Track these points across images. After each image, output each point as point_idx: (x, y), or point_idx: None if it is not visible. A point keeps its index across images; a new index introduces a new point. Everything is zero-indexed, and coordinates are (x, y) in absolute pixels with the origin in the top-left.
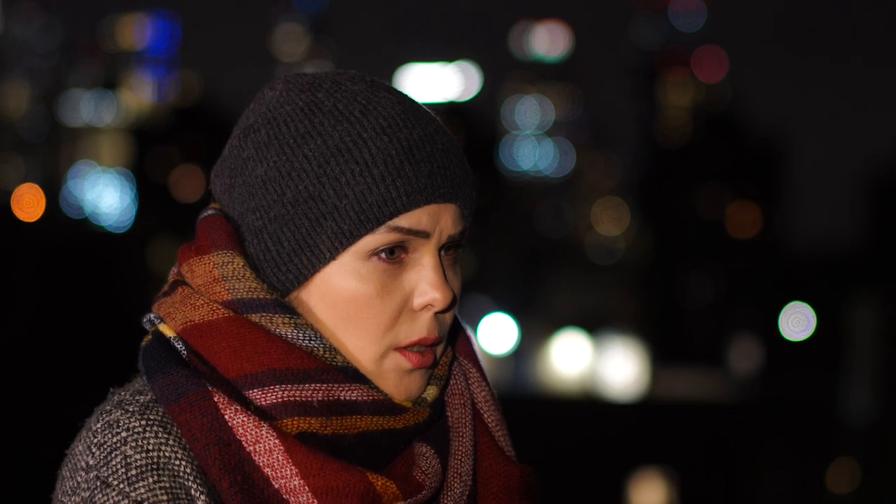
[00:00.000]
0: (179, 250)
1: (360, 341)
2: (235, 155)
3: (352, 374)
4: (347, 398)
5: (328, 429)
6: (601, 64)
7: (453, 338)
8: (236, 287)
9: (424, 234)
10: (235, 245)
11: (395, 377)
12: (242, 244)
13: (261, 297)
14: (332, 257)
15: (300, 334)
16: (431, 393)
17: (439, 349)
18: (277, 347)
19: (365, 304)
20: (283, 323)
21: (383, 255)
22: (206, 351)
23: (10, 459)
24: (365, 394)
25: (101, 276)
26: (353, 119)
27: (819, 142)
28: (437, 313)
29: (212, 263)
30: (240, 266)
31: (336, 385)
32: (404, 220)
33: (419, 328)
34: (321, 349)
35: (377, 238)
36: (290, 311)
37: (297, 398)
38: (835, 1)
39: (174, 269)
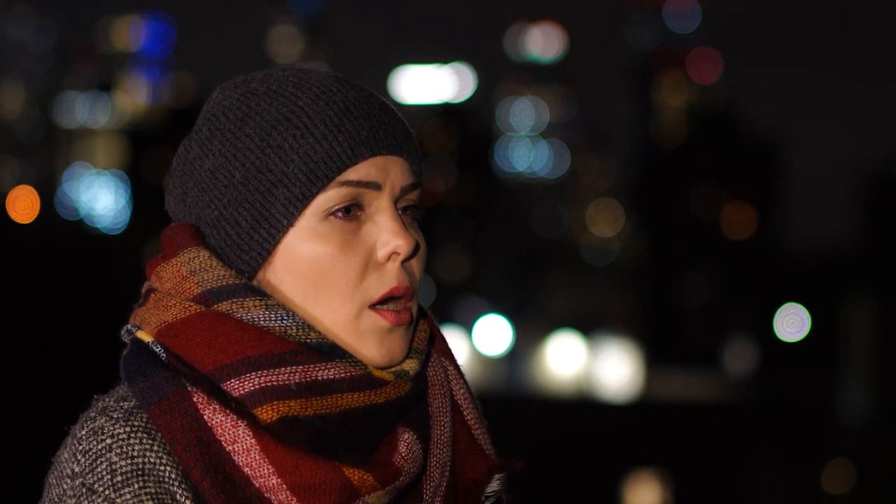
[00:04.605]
0: (146, 266)
1: (333, 303)
2: (182, 161)
3: (328, 351)
4: (325, 377)
5: (309, 410)
6: (596, 65)
7: (431, 338)
8: (205, 278)
9: (376, 186)
10: (199, 242)
11: (376, 338)
12: (205, 240)
13: (230, 283)
14: (290, 223)
15: (272, 315)
16: (412, 366)
17: (414, 307)
18: (249, 335)
19: (329, 263)
20: (255, 306)
21: (340, 213)
22: (182, 349)
23: (7, 461)
24: (343, 371)
25: (97, 279)
26: (288, 94)
27: (814, 143)
28: (403, 263)
29: (179, 263)
30: (206, 258)
31: (312, 365)
32: (353, 174)
33: (388, 279)
34: (294, 327)
35: (330, 196)
36: (260, 294)
37: (274, 383)
38: (831, 2)
39: (145, 284)
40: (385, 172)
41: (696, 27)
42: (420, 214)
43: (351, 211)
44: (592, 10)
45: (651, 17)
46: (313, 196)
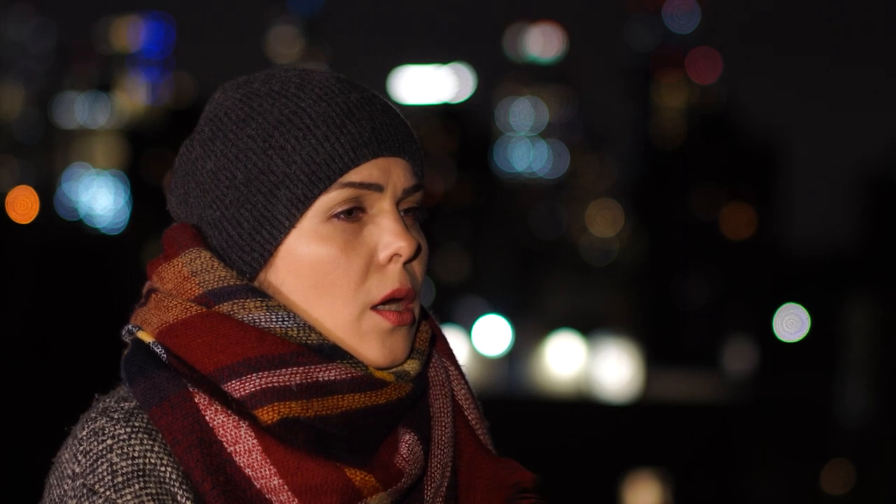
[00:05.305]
0: (148, 265)
1: (334, 304)
2: (184, 161)
3: (328, 353)
4: (326, 378)
5: (310, 411)
6: (595, 65)
7: (432, 338)
8: (206, 279)
9: (378, 188)
10: (200, 242)
11: (378, 339)
12: (206, 241)
13: (231, 284)
14: (292, 225)
15: (273, 316)
16: (413, 367)
17: (416, 308)
18: (250, 336)
19: (331, 264)
20: (256, 307)
21: (341, 215)
22: (183, 350)
23: (6, 462)
24: (344, 372)
25: (96, 279)
26: (290, 94)
27: (814, 143)
28: (405, 265)
29: (180, 264)
30: (207, 258)
31: (313, 367)
32: (355, 175)
33: (390, 280)
34: (295, 329)
35: (332, 197)
36: (262, 295)
37: (275, 384)
38: (829, 2)
39: (146, 284)
40: (387, 174)
41: (695, 27)
42: (422, 216)
43: (353, 212)
44: (592, 10)
45: (651, 17)
46: (315, 197)
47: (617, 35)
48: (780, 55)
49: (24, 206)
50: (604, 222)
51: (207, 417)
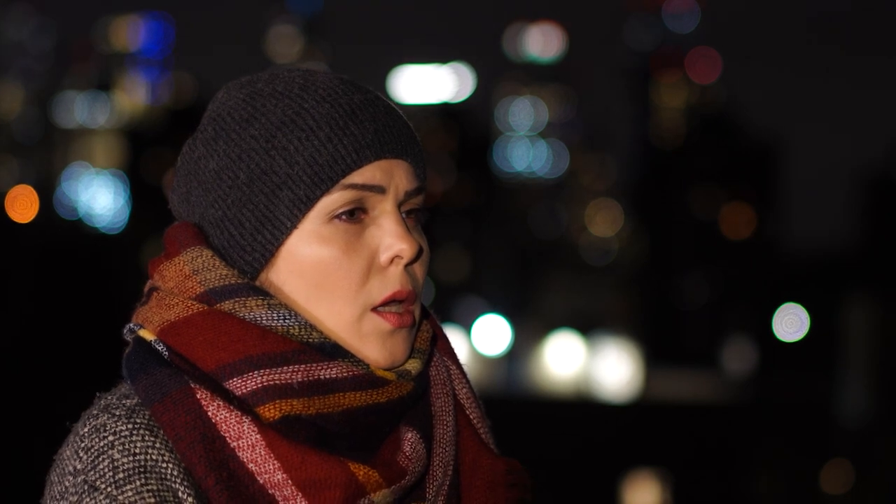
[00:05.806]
0: (150, 264)
1: (335, 305)
2: (187, 160)
3: (330, 351)
4: (328, 376)
5: (311, 409)
6: (595, 65)
7: (433, 338)
8: (208, 278)
9: (380, 189)
10: (202, 241)
11: (378, 341)
12: (208, 240)
13: (232, 282)
14: (294, 225)
15: (274, 314)
16: (414, 366)
17: (416, 310)
18: (252, 334)
19: (333, 265)
20: (257, 305)
21: (343, 216)
22: (185, 348)
23: (7, 461)
24: (345, 370)
25: (95, 278)
26: (294, 95)
27: (813, 143)
28: (407, 267)
29: (182, 262)
30: (208, 257)
31: (315, 364)
32: (357, 177)
33: (391, 282)
34: (296, 327)
35: (334, 198)
36: (263, 293)
37: (277, 382)
38: (829, 1)
39: (148, 282)
40: (389, 176)
41: (695, 27)
42: (424, 218)
43: (355, 214)
44: (592, 10)
45: (650, 17)
46: (317, 199)
47: (616, 35)
48: (779, 55)
49: (23, 205)
50: (603, 222)
51: (210, 413)
